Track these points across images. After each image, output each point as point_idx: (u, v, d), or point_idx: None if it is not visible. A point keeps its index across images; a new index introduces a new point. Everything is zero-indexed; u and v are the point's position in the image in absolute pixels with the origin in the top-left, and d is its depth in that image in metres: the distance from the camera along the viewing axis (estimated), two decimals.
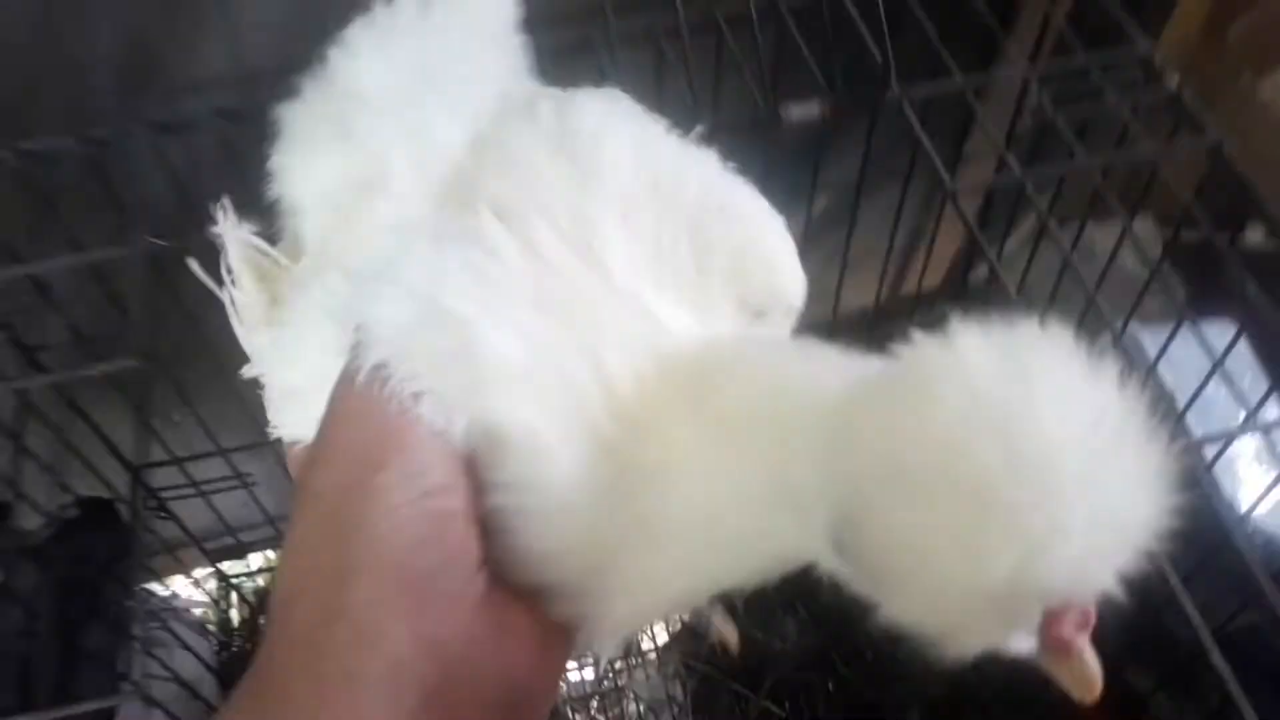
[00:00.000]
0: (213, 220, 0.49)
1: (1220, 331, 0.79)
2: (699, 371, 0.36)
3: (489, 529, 0.35)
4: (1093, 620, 0.31)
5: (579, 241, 0.38)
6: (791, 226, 0.42)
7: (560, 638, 0.37)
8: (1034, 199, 0.68)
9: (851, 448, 0.30)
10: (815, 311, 0.44)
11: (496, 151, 0.42)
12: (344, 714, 0.31)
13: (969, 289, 1.00)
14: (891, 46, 0.69)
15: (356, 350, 0.36)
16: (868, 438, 0.30)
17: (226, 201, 0.49)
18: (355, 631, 0.32)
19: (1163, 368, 0.77)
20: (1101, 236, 0.84)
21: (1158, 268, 0.75)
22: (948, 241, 1.05)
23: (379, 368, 0.35)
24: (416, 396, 0.35)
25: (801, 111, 0.68)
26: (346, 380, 0.36)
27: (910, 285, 1.11)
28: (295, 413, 0.46)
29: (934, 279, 1.10)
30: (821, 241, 0.92)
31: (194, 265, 0.51)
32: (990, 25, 0.77)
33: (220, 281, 0.50)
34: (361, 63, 0.48)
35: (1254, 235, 0.71)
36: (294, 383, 0.46)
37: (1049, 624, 0.31)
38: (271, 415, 0.48)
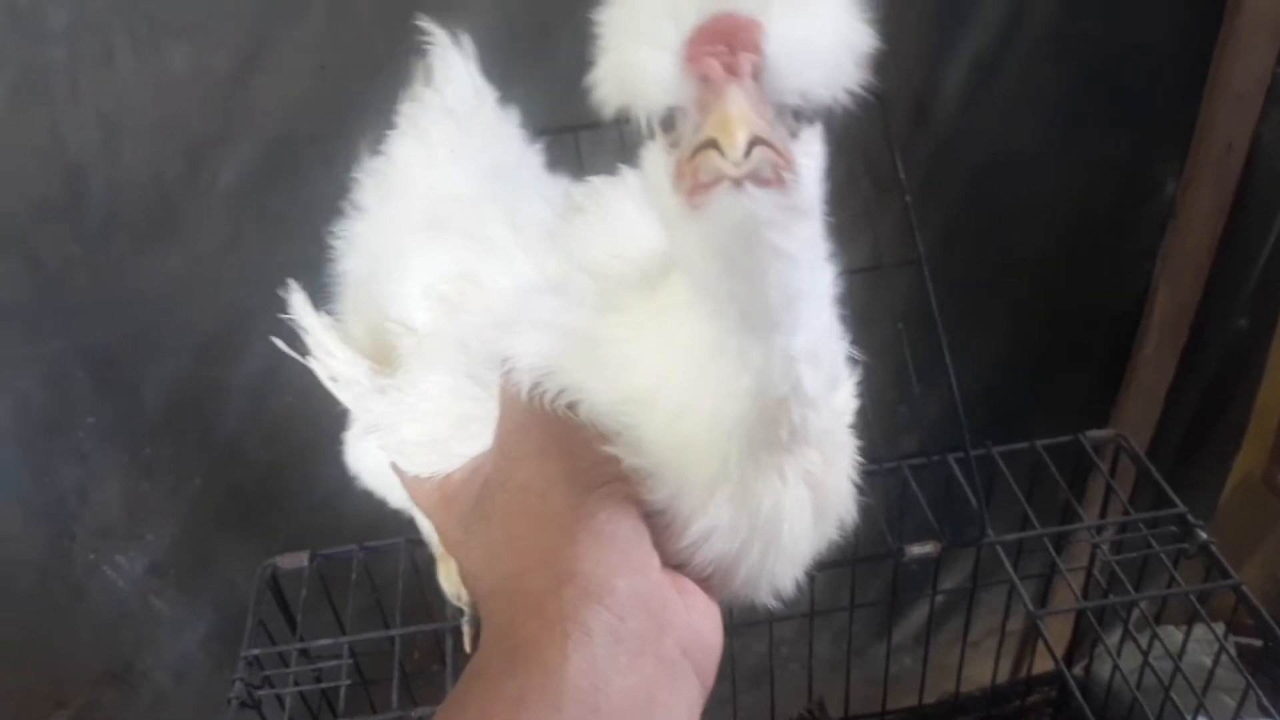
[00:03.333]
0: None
1: None
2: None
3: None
4: (746, 71, 0.31)
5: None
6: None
7: (718, 600, 0.44)
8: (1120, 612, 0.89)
9: None
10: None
11: (595, 218, 0.51)
12: (583, 664, 0.36)
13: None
14: (987, 501, 0.93)
15: (508, 377, 0.44)
16: None
17: (295, 285, 0.57)
18: (583, 590, 0.38)
19: None
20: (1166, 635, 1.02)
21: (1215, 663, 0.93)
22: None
23: (536, 386, 0.43)
24: (573, 406, 0.42)
25: (919, 550, 0.92)
26: (512, 402, 0.44)
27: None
28: (428, 454, 0.50)
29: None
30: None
31: (279, 342, 0.57)
32: (1065, 491, 1.02)
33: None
34: (439, 169, 0.59)
35: None
36: (429, 431, 0.50)
37: (690, 54, 0.31)
38: (400, 462, 0.52)
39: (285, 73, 0.90)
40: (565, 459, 0.42)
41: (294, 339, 0.57)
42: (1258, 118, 1.06)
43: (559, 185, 0.60)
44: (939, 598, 1.14)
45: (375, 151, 0.64)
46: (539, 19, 0.89)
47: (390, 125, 0.90)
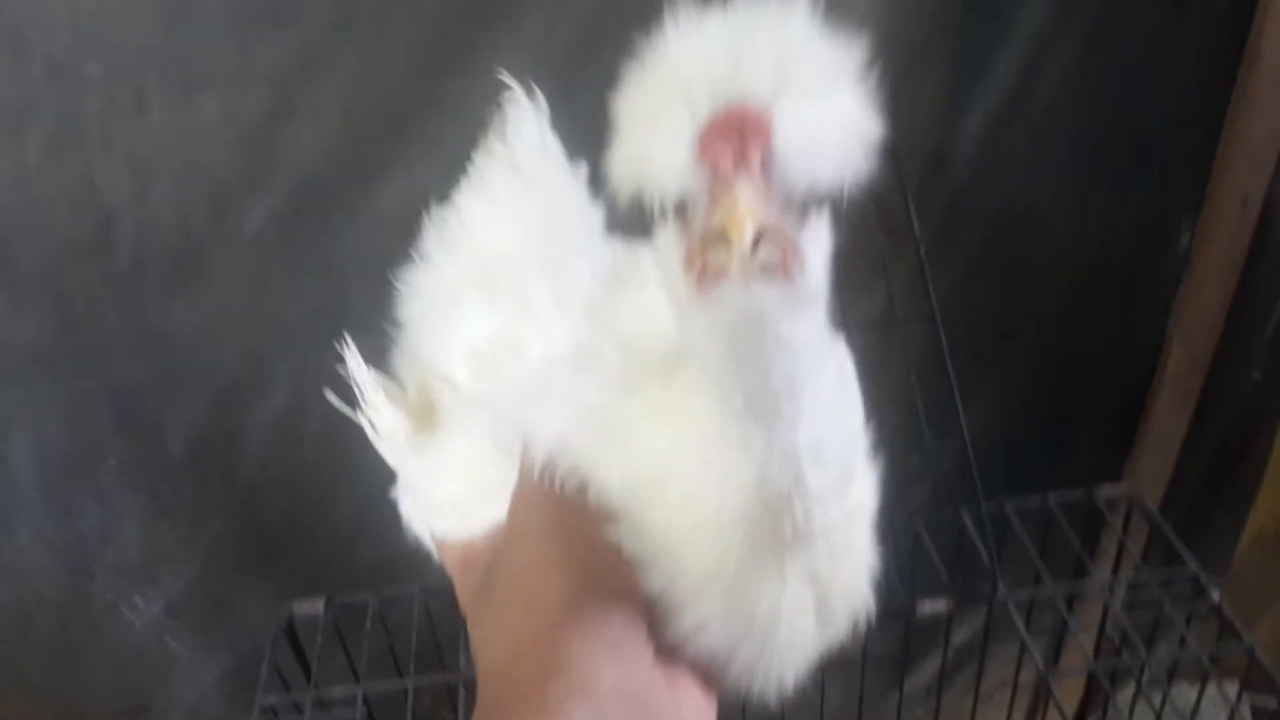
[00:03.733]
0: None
1: None
2: None
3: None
4: (756, 163, 0.32)
5: None
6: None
7: (715, 693, 0.43)
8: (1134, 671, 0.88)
9: None
10: None
11: (635, 289, 0.50)
12: None
13: None
14: (999, 554, 0.94)
15: (527, 452, 0.44)
16: None
17: (349, 339, 0.56)
18: (566, 684, 0.38)
19: None
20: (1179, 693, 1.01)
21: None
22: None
23: (549, 464, 0.42)
24: (582, 486, 0.42)
25: (931, 606, 0.92)
26: (526, 475, 0.44)
27: None
28: (454, 517, 0.51)
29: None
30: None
31: (330, 395, 0.56)
32: (1076, 547, 1.02)
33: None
34: (500, 226, 0.58)
35: None
36: (454, 493, 0.51)
37: (702, 144, 0.32)
38: (429, 521, 0.53)
39: (312, 123, 0.92)
40: (566, 541, 0.42)
41: (346, 392, 0.57)
42: (1273, 172, 1.07)
43: (612, 249, 0.59)
44: (951, 650, 1.13)
45: (443, 201, 0.63)
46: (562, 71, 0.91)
47: (411, 177, 0.94)
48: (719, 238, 0.32)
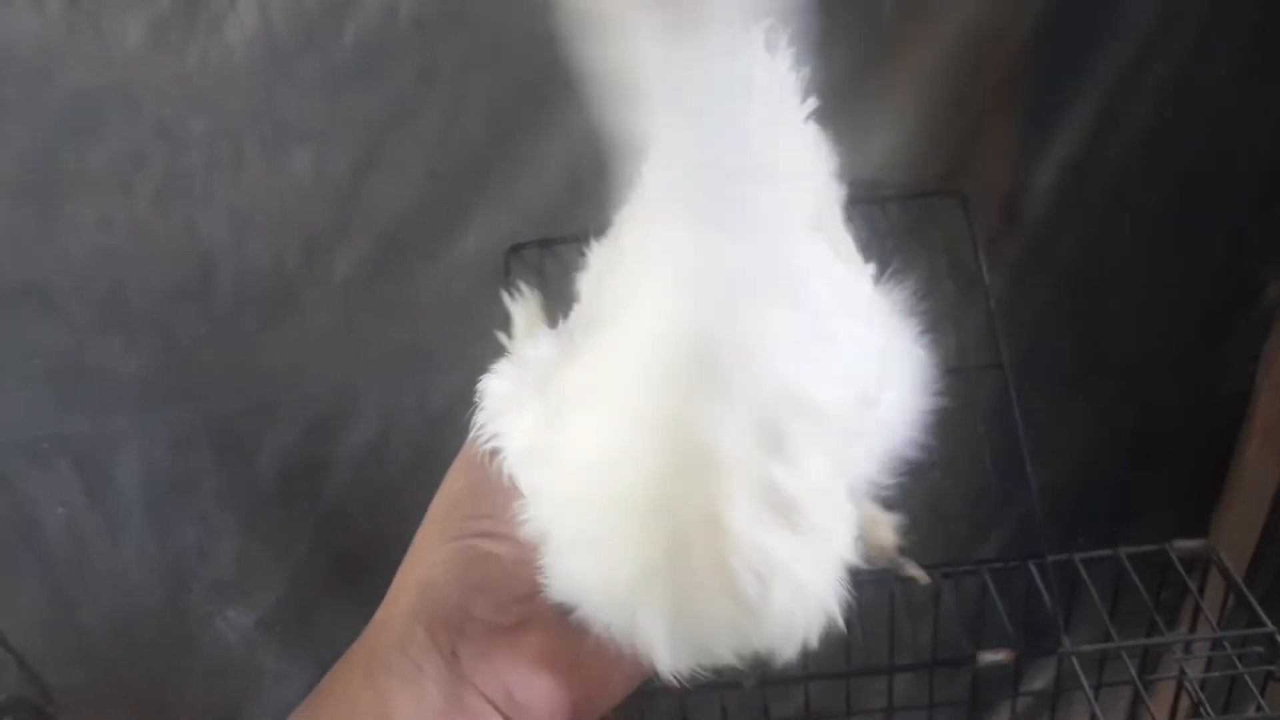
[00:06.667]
0: None
1: None
2: None
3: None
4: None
5: None
6: None
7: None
8: None
9: None
10: None
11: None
12: (373, 701, 0.40)
13: None
14: (1070, 609, 0.92)
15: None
16: None
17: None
18: (390, 639, 0.42)
19: None
20: None
21: None
22: None
23: (480, 427, 0.43)
24: (492, 453, 0.42)
25: (991, 657, 0.91)
26: (470, 439, 0.45)
27: None
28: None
29: None
30: None
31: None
32: (1149, 603, 1.00)
33: None
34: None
35: None
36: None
37: None
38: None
39: (398, 175, 0.97)
40: (451, 503, 0.44)
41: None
42: None
43: None
44: (1020, 701, 1.12)
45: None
46: None
47: (489, 225, 0.98)
48: None
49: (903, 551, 0.71)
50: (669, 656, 0.38)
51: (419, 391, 1.09)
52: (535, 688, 0.42)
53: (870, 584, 0.91)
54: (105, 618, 1.19)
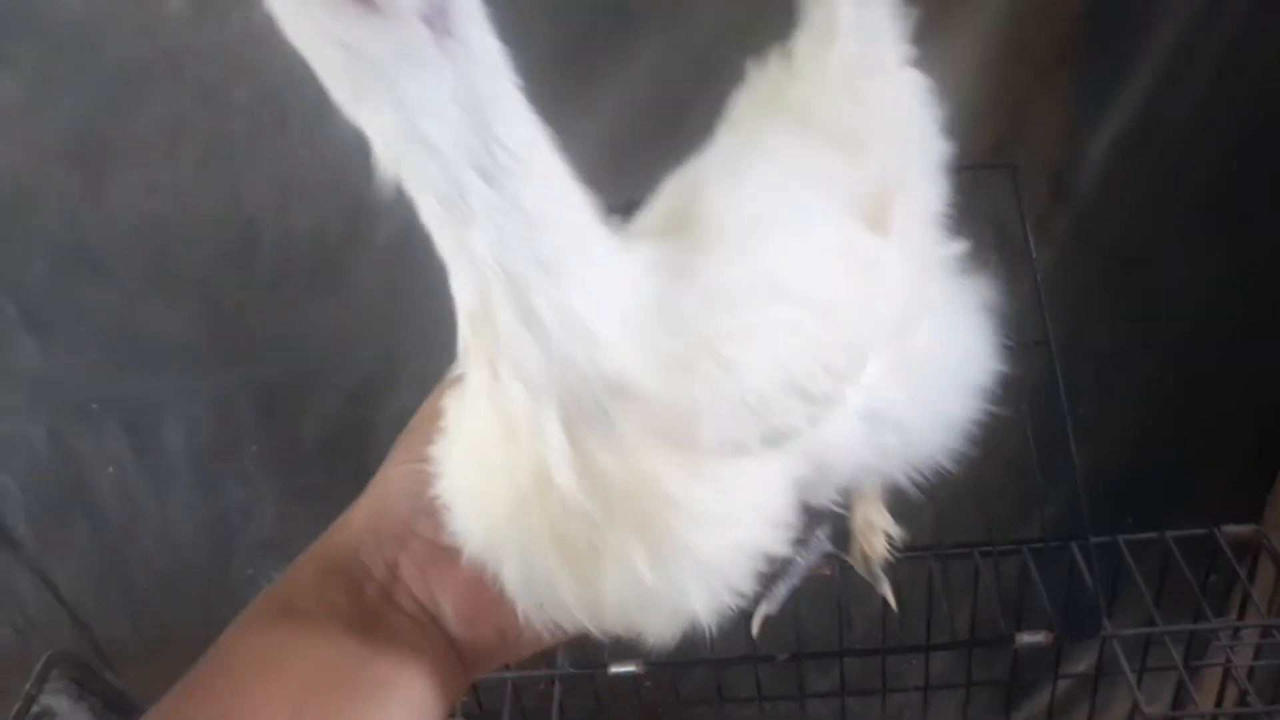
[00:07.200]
0: None
1: None
2: None
3: None
4: None
5: None
6: None
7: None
8: None
9: None
10: None
11: None
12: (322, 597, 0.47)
13: None
14: (1114, 592, 0.91)
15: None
16: None
17: None
18: (343, 540, 0.49)
19: None
20: None
21: None
22: None
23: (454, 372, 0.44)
24: (446, 389, 0.45)
25: (1030, 638, 0.90)
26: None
27: None
28: None
29: None
30: None
31: None
32: (1195, 588, 0.98)
33: None
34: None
35: None
36: None
37: None
38: None
39: None
40: (415, 426, 0.49)
41: None
42: None
43: None
44: (1062, 683, 1.10)
45: None
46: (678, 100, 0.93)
47: None
48: None
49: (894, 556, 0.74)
50: (524, 607, 0.42)
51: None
52: (458, 608, 0.47)
53: (909, 561, 0.91)
54: (153, 574, 1.22)
